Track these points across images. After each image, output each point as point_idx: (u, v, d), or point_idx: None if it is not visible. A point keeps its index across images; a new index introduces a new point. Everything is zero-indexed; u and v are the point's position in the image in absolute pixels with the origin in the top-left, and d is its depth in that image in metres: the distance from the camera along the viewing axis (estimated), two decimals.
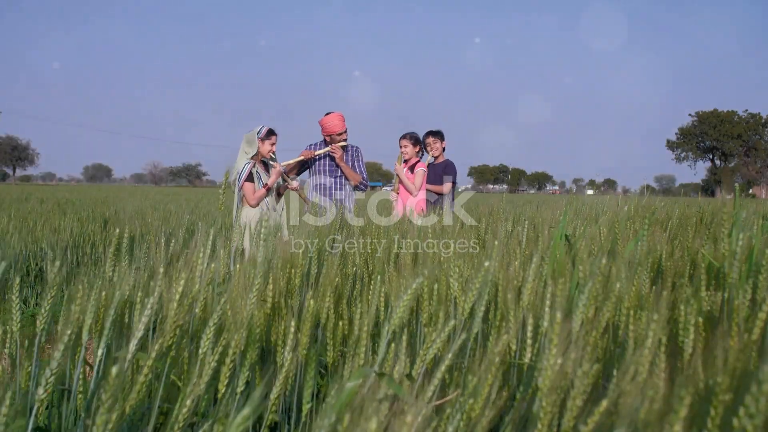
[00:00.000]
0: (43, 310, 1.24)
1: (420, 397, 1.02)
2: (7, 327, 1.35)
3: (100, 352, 1.14)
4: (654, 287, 1.51)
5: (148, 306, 1.07)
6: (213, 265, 1.39)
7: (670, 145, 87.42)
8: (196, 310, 1.33)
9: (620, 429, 0.75)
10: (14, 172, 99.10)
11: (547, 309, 1.18)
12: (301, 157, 4.61)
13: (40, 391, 1.02)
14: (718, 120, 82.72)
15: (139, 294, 1.35)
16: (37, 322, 1.26)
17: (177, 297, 1.09)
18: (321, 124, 4.59)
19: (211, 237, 1.59)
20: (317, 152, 4.61)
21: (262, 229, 1.71)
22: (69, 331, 1.08)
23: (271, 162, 4.20)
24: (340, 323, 1.56)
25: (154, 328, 1.34)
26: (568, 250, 1.94)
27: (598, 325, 1.17)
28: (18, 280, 1.34)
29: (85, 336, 1.21)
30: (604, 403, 0.76)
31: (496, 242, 1.49)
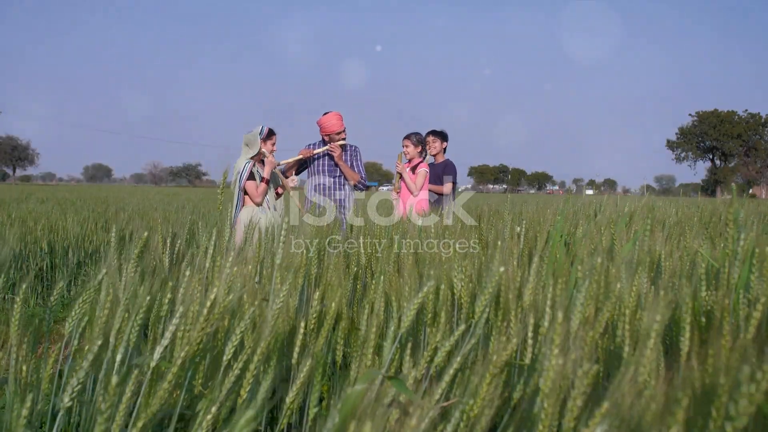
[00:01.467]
0: (73, 313, 1.23)
1: (427, 399, 1.02)
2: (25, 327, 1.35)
3: (119, 357, 1.14)
4: (653, 287, 1.51)
5: (177, 315, 1.07)
6: (235, 269, 1.38)
7: (670, 145, 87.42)
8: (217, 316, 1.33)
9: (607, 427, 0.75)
10: (14, 172, 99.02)
11: (548, 309, 1.18)
12: (300, 156, 4.61)
13: (66, 398, 1.01)
14: (718, 120, 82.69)
15: (159, 296, 1.34)
16: (66, 325, 1.25)
17: (208, 304, 1.08)
18: (319, 124, 4.59)
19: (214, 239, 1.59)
20: (316, 151, 4.60)
21: (283, 231, 1.69)
22: (100, 342, 1.06)
23: (265, 154, 4.19)
24: (345, 324, 1.56)
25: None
26: (567, 250, 1.95)
27: (597, 325, 1.17)
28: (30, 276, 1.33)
29: (112, 341, 1.20)
30: (606, 405, 0.77)
31: (499, 243, 1.49)
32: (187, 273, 1.19)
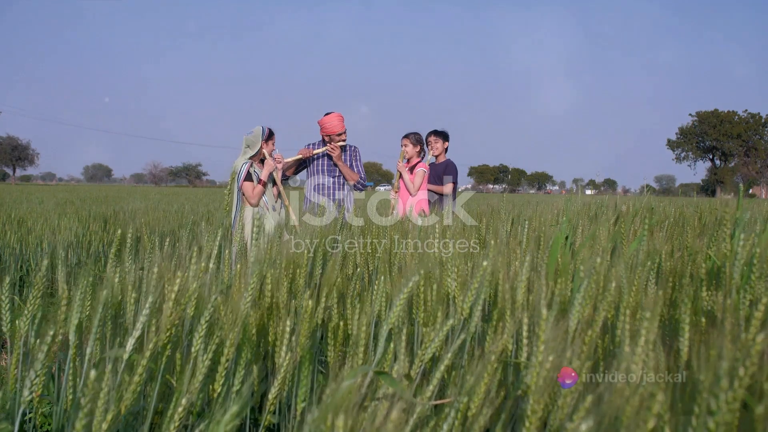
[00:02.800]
0: (26, 312, 1.24)
1: (419, 396, 1.02)
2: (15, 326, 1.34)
3: (88, 351, 1.14)
4: (653, 287, 1.51)
5: (146, 306, 1.07)
6: (211, 265, 1.39)
7: (670, 144, 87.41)
8: (188, 311, 1.33)
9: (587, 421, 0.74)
10: (14, 172, 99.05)
11: (542, 308, 1.18)
12: (300, 156, 4.61)
13: (26, 393, 1.00)
14: (718, 120, 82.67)
15: (134, 294, 1.34)
16: (21, 323, 1.25)
17: (173, 296, 1.09)
18: (320, 124, 4.59)
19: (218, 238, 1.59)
20: (315, 151, 4.60)
21: (255, 230, 1.71)
22: (51, 332, 1.06)
23: (265, 155, 4.20)
24: (342, 323, 1.56)
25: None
26: (571, 251, 1.94)
27: (594, 324, 1.17)
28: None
29: (71, 336, 1.20)
30: (589, 399, 0.76)
31: (493, 242, 1.49)
32: (155, 270, 1.19)
